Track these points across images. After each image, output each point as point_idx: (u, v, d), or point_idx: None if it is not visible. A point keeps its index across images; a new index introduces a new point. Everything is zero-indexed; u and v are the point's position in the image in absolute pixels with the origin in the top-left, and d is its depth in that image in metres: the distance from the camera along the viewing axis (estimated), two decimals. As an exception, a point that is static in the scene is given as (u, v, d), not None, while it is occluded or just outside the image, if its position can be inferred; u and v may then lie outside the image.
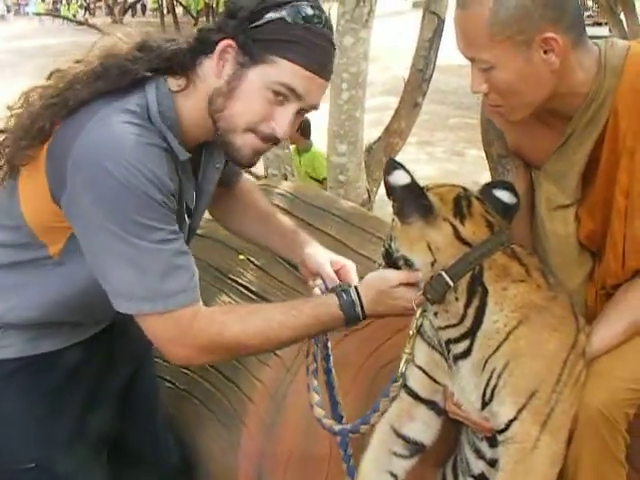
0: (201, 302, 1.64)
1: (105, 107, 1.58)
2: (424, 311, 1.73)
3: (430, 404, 1.85)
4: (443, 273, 1.67)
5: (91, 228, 1.55)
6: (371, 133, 5.15)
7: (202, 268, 2.71)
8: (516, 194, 1.85)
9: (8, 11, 38.42)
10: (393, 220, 1.77)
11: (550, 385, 1.66)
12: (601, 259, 1.90)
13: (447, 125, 11.26)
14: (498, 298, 1.69)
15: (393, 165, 1.70)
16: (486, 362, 1.69)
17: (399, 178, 1.68)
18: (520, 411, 1.67)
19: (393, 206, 1.73)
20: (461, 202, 1.75)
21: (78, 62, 1.70)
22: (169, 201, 1.59)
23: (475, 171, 8.81)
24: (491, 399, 1.70)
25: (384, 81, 12.70)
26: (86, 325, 1.86)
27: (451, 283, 1.67)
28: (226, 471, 2.24)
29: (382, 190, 5.38)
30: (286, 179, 4.57)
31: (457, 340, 1.73)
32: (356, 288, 1.73)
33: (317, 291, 1.85)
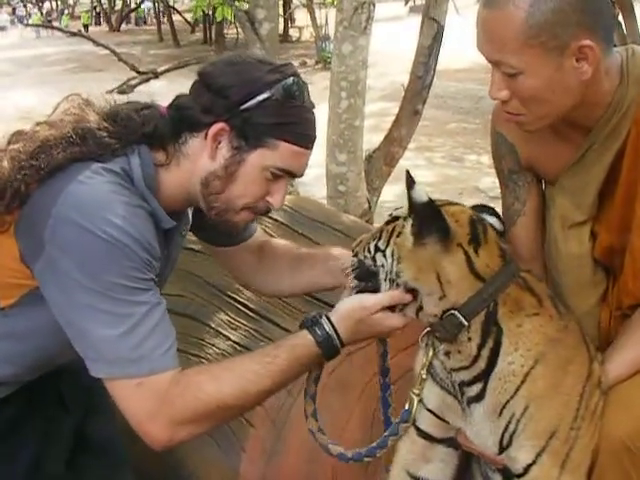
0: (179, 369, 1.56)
1: (85, 169, 1.50)
2: (434, 349, 1.63)
3: (446, 442, 1.76)
4: (456, 313, 1.56)
5: (70, 290, 1.45)
6: (370, 139, 5.10)
7: (199, 285, 2.66)
8: (501, 219, 1.78)
9: (12, 22, 38.51)
10: (391, 232, 1.64)
11: (568, 422, 1.59)
12: (617, 278, 1.81)
13: (446, 130, 11.23)
14: (513, 337, 1.59)
15: (412, 179, 1.58)
16: (503, 407, 1.60)
17: (421, 194, 1.56)
18: (539, 454, 1.59)
19: (413, 224, 1.59)
20: (477, 226, 1.63)
21: (39, 124, 1.62)
22: (154, 263, 1.53)
23: (474, 176, 8.80)
24: (509, 444, 1.62)
25: (382, 87, 12.69)
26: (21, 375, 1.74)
27: (465, 323, 1.56)
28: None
29: (382, 199, 5.32)
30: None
31: (470, 383, 1.63)
32: (328, 318, 1.61)
33: None
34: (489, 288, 1.57)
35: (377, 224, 4.24)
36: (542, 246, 1.93)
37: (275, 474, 2.12)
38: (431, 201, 1.55)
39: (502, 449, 1.63)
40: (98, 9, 40.47)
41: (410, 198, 1.57)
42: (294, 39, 27.15)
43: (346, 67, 4.35)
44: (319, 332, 1.59)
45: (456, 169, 9.38)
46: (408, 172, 1.61)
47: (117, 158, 1.56)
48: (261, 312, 2.49)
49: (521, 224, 1.92)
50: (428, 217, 1.56)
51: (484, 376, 1.60)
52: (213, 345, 2.48)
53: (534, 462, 1.59)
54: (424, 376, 1.65)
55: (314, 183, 6.95)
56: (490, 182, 8.11)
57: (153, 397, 1.48)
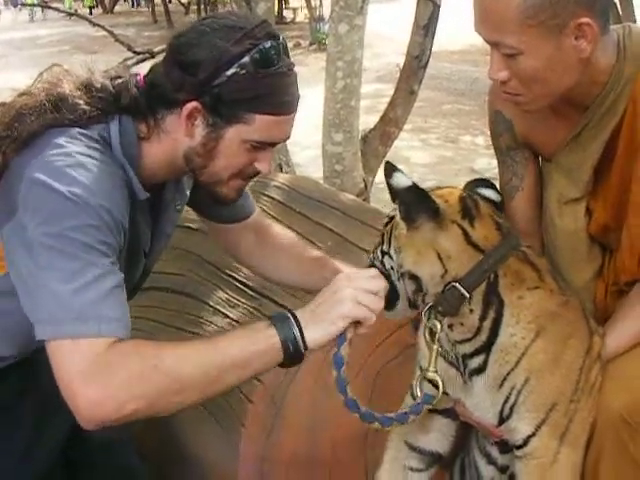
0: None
1: (62, 135, 1.49)
2: (440, 323, 1.61)
3: (445, 412, 1.77)
4: (457, 285, 1.56)
5: (30, 248, 1.40)
6: (365, 120, 5.09)
7: (197, 263, 2.66)
8: (498, 191, 1.77)
9: (6, 4, 38.07)
10: (390, 231, 1.64)
11: (568, 395, 1.59)
12: (613, 254, 1.82)
13: (441, 111, 11.20)
14: (514, 309, 1.59)
15: (392, 168, 1.61)
16: (504, 379, 1.61)
17: (401, 180, 1.58)
18: (539, 426, 1.59)
19: (400, 210, 1.60)
20: (467, 202, 1.63)
21: (19, 95, 1.60)
22: (118, 230, 1.48)
23: (469, 157, 8.80)
24: (509, 416, 1.62)
25: (377, 68, 12.64)
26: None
27: (467, 294, 1.56)
28: (225, 475, 2.17)
29: (378, 179, 5.31)
30: (281, 169, 4.49)
31: (472, 355, 1.64)
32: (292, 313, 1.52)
33: None
34: (489, 259, 1.57)
35: (373, 204, 4.25)
36: (540, 222, 1.94)
37: (275, 450, 2.12)
38: (414, 184, 1.57)
39: (502, 421, 1.64)
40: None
41: (390, 186, 1.60)
42: (288, 20, 26.95)
43: (342, 47, 4.32)
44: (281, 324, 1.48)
45: (451, 150, 9.37)
46: (388, 162, 1.64)
47: (96, 125, 1.54)
48: (260, 290, 2.48)
49: (519, 199, 1.93)
50: (414, 200, 1.57)
51: (486, 348, 1.61)
52: (211, 323, 2.48)
53: (534, 434, 1.60)
54: (439, 349, 1.63)
55: (310, 164, 6.97)
56: (485, 163, 8.11)
57: (94, 359, 1.36)
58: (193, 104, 1.54)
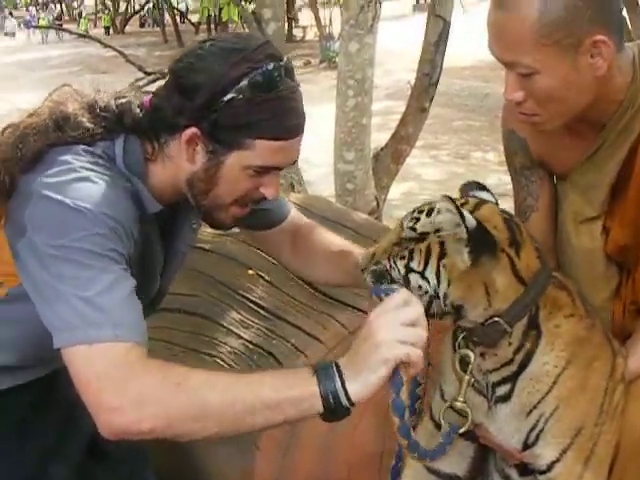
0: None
1: (67, 152, 1.50)
2: (473, 352, 1.56)
3: (464, 434, 1.74)
4: (501, 320, 1.51)
5: (40, 262, 1.41)
6: (376, 138, 5.09)
7: (210, 284, 2.66)
8: (491, 192, 1.71)
9: (19, 26, 38.45)
10: (427, 251, 1.51)
11: (593, 419, 1.57)
12: (630, 274, 1.80)
13: (451, 128, 11.21)
14: (550, 337, 1.55)
15: (460, 210, 1.47)
16: (534, 407, 1.58)
17: (470, 220, 1.46)
18: (564, 451, 1.57)
19: (470, 251, 1.47)
20: (513, 227, 1.55)
21: (30, 116, 1.60)
22: (127, 237, 1.48)
23: (480, 174, 8.77)
24: (535, 443, 1.60)
25: (387, 85, 12.66)
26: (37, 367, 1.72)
27: (509, 329, 1.51)
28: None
29: (389, 197, 5.32)
30: (293, 188, 4.49)
31: (498, 383, 1.60)
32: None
33: None
34: (531, 292, 1.51)
35: (385, 222, 4.24)
36: (554, 242, 1.92)
37: (290, 471, 2.10)
38: (479, 223, 1.48)
39: (526, 447, 1.61)
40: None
41: (467, 229, 1.46)
42: (298, 39, 27.11)
43: (353, 65, 4.34)
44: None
45: (462, 166, 9.36)
46: (452, 200, 1.50)
47: (101, 142, 1.54)
48: (273, 310, 2.47)
49: (534, 220, 1.91)
50: (479, 238, 1.48)
51: (513, 377, 1.57)
52: (225, 344, 2.46)
53: (558, 459, 1.57)
54: (470, 381, 1.59)
55: (321, 181, 6.97)
56: (496, 179, 8.08)
57: (113, 363, 1.35)
58: (192, 130, 1.51)
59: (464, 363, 1.57)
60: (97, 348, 1.36)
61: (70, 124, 1.54)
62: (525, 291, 1.51)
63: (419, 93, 4.90)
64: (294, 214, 1.97)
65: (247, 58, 1.49)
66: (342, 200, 4.44)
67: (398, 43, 16.31)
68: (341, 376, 1.36)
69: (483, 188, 1.70)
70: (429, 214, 1.53)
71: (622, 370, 1.64)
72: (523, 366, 1.56)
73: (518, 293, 1.51)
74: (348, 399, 1.36)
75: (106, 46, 8.32)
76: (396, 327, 1.38)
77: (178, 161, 1.56)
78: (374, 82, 4.73)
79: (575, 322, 1.58)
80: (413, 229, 1.54)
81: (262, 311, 2.50)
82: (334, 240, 1.95)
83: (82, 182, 1.44)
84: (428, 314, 1.48)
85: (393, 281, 1.53)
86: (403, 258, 1.53)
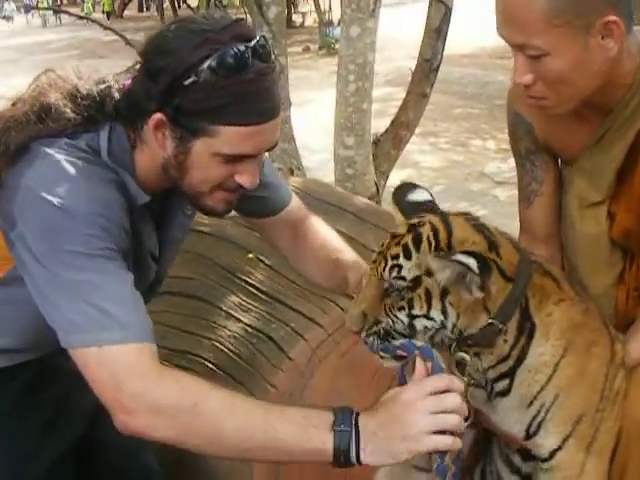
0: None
1: (50, 146, 1.47)
2: (469, 354, 1.53)
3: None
4: (494, 322, 1.48)
5: (36, 263, 1.40)
6: (375, 124, 5.07)
7: (209, 267, 2.64)
8: (427, 190, 1.68)
9: (18, 10, 38.17)
10: (426, 294, 1.45)
11: (594, 406, 1.56)
12: (635, 259, 1.79)
13: (451, 115, 11.16)
14: (544, 327, 1.53)
15: (469, 253, 1.42)
16: (534, 399, 1.56)
17: (465, 258, 1.39)
18: (566, 439, 1.56)
19: (482, 286, 1.43)
20: (483, 229, 1.52)
21: (14, 104, 1.58)
22: (118, 231, 1.46)
23: (479, 161, 8.76)
24: (536, 432, 1.58)
25: (386, 72, 12.60)
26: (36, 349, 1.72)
27: (505, 328, 1.49)
28: (236, 473, 2.13)
29: (390, 183, 5.29)
30: (292, 173, 4.47)
31: (496, 380, 1.58)
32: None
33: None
34: (519, 285, 1.49)
35: (385, 207, 4.21)
36: (558, 227, 1.90)
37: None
38: (477, 254, 1.42)
39: (528, 436, 1.60)
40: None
41: (476, 273, 1.40)
42: (297, 24, 26.98)
43: (354, 50, 4.31)
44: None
45: (461, 154, 9.32)
46: (442, 256, 1.44)
47: (85, 134, 1.51)
48: (272, 294, 2.47)
49: (538, 204, 1.90)
50: (486, 270, 1.43)
51: (511, 372, 1.56)
52: (225, 327, 2.46)
53: (560, 447, 1.56)
54: (470, 382, 1.55)
55: (321, 168, 6.94)
56: (495, 167, 8.08)
57: (128, 365, 1.36)
58: (158, 115, 1.46)
59: (461, 365, 1.53)
60: (109, 350, 1.37)
61: (52, 116, 1.51)
62: (513, 286, 1.49)
63: (420, 79, 4.87)
64: (294, 204, 1.93)
65: (211, 40, 1.43)
66: (342, 185, 4.41)
67: (398, 30, 16.24)
68: (358, 443, 1.33)
69: (415, 187, 1.67)
70: (407, 255, 1.47)
71: (622, 355, 1.62)
72: (520, 360, 1.54)
73: (507, 290, 1.49)
74: (359, 462, 1.35)
75: (106, 29, 8.25)
76: (431, 416, 1.33)
77: (153, 147, 1.52)
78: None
79: (567, 307, 1.57)
80: (401, 278, 1.46)
81: (262, 295, 2.50)
82: (330, 244, 1.92)
83: (68, 179, 1.42)
84: (433, 345, 1.47)
85: (397, 332, 1.48)
86: (402, 309, 1.47)
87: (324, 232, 1.95)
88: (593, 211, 1.79)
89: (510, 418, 1.61)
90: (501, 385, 1.58)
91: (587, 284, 1.81)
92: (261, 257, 2.58)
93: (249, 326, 2.42)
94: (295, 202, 1.94)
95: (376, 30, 4.36)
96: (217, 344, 2.41)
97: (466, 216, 1.57)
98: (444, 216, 1.54)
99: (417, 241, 1.48)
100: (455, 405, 1.35)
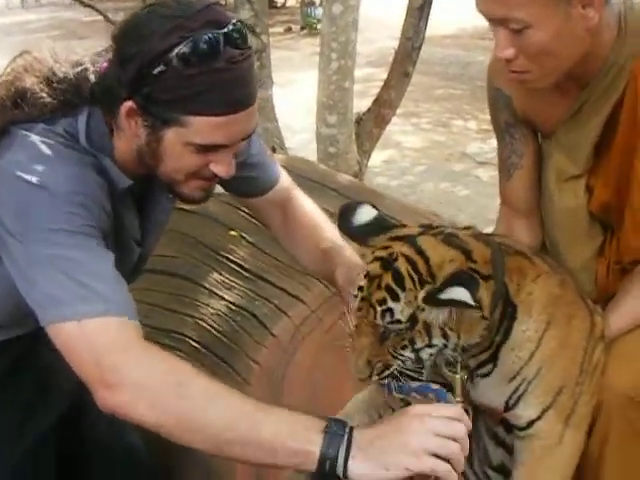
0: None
1: (29, 130, 1.45)
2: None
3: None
4: (489, 321, 1.46)
5: (15, 243, 1.38)
6: (356, 105, 5.06)
7: (192, 245, 2.63)
8: (366, 203, 1.61)
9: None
10: (426, 326, 1.41)
11: (574, 378, 1.57)
12: (614, 232, 1.80)
13: (432, 96, 11.12)
14: (526, 307, 1.52)
15: (455, 281, 1.37)
16: (516, 374, 1.55)
17: (459, 293, 1.35)
18: (546, 410, 1.56)
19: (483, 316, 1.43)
20: (452, 240, 1.47)
21: None
22: (98, 211, 1.44)
23: (461, 142, 8.75)
24: (516, 404, 1.58)
25: (368, 53, 12.54)
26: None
27: (489, 320, 1.45)
28: (221, 467, 2.13)
29: (370, 164, 5.28)
30: (274, 152, 4.45)
31: (478, 366, 1.55)
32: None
33: None
34: (497, 278, 1.46)
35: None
36: (538, 201, 1.91)
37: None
38: (463, 276, 1.38)
39: (507, 408, 1.59)
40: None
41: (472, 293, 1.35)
42: (279, 5, 26.78)
43: (336, 28, 4.31)
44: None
45: (443, 135, 9.31)
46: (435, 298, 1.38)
47: (63, 119, 1.49)
48: (256, 271, 2.46)
49: (518, 177, 1.90)
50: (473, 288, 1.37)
51: (493, 357, 1.53)
52: (207, 305, 2.45)
53: (539, 417, 1.56)
54: (464, 378, 1.52)
55: (303, 148, 6.91)
56: (477, 147, 8.07)
57: (111, 339, 1.31)
58: (129, 103, 1.43)
59: (450, 364, 1.50)
60: (89, 324, 1.31)
61: (28, 101, 1.49)
62: (494, 282, 1.45)
63: (402, 58, 4.86)
64: (284, 184, 1.91)
65: (181, 26, 1.38)
66: (324, 164, 4.40)
67: (379, 11, 16.17)
68: (348, 449, 1.25)
69: (355, 208, 1.59)
70: (394, 298, 1.40)
71: (601, 328, 1.63)
72: (502, 342, 1.52)
73: (490, 288, 1.45)
74: (345, 475, 1.25)
75: (87, 6, 8.14)
76: (432, 436, 1.26)
77: (128, 134, 1.49)
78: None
79: (544, 282, 1.56)
80: (397, 322, 1.41)
81: (244, 272, 2.49)
82: (319, 232, 1.87)
83: (45, 159, 1.41)
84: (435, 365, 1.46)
85: (409, 369, 1.45)
86: (406, 347, 1.43)
87: (313, 217, 1.91)
88: (572, 184, 1.79)
89: (490, 393, 1.60)
90: (484, 370, 1.56)
91: (566, 258, 1.82)
92: (244, 234, 2.58)
93: (232, 304, 2.42)
94: (284, 181, 1.91)
95: (358, 8, 4.36)
96: (200, 322, 2.41)
97: (431, 231, 1.51)
98: (413, 242, 1.46)
99: (398, 280, 1.41)
100: (462, 435, 1.28)
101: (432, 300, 1.37)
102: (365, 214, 1.57)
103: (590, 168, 1.78)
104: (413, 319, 1.40)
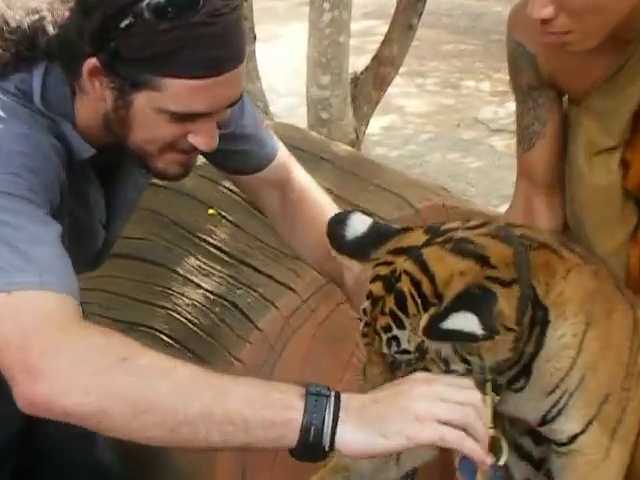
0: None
1: None
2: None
3: None
4: (517, 331, 1.44)
5: None
6: (352, 62, 5.04)
7: (164, 226, 2.64)
8: (357, 211, 1.61)
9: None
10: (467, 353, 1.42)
11: (620, 382, 1.56)
12: None
13: (440, 52, 11.12)
14: (559, 308, 1.51)
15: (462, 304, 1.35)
16: (556, 387, 1.54)
17: (465, 322, 1.32)
18: (590, 422, 1.55)
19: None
20: (465, 247, 1.45)
21: None
22: (48, 178, 1.42)
23: (473, 105, 8.76)
24: (555, 418, 1.57)
25: (364, 2, 12.51)
26: None
27: (518, 329, 1.43)
28: (201, 466, 2.15)
29: (371, 130, 5.29)
30: (259, 116, 4.46)
31: (508, 383, 1.54)
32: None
33: None
34: (524, 280, 1.44)
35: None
36: (562, 174, 1.92)
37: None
38: (474, 297, 1.37)
39: (544, 422, 1.59)
40: None
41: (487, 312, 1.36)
42: (261, -54, 26.73)
43: (329, -27, 4.29)
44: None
45: (452, 97, 9.31)
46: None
47: (16, 74, 1.48)
48: (238, 255, 2.46)
49: (540, 147, 1.91)
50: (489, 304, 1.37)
51: (526, 370, 1.52)
52: (182, 294, 2.45)
53: (583, 431, 1.56)
54: (495, 400, 1.51)
55: (290, 114, 6.89)
56: (491, 112, 8.08)
57: (43, 316, 1.25)
58: (92, 60, 1.41)
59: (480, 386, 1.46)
60: (20, 297, 1.26)
61: None
62: (520, 285, 1.44)
63: (405, 7, 4.85)
64: (282, 160, 1.89)
65: None
66: (315, 131, 4.40)
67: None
68: (337, 412, 1.20)
69: (345, 219, 1.57)
70: (399, 325, 1.40)
71: None
72: (535, 352, 1.51)
73: (516, 293, 1.43)
74: (331, 443, 1.19)
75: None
76: (439, 401, 1.22)
77: (92, 97, 1.48)
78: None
79: (576, 276, 1.56)
80: (405, 352, 1.40)
81: (225, 256, 2.49)
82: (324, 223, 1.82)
83: None
84: None
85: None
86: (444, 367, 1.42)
87: (317, 202, 1.89)
88: (604, 158, 1.80)
89: (524, 407, 1.60)
90: (516, 386, 1.55)
91: (594, 242, 1.83)
92: (224, 213, 2.58)
93: (210, 292, 2.42)
94: (283, 158, 1.90)
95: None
96: (173, 313, 2.41)
97: (439, 239, 1.48)
98: (417, 256, 1.44)
99: (402, 304, 1.40)
100: (476, 403, 1.24)
101: (432, 332, 1.35)
102: (358, 224, 1.55)
103: (627, 140, 1.79)
104: (422, 349, 1.39)
